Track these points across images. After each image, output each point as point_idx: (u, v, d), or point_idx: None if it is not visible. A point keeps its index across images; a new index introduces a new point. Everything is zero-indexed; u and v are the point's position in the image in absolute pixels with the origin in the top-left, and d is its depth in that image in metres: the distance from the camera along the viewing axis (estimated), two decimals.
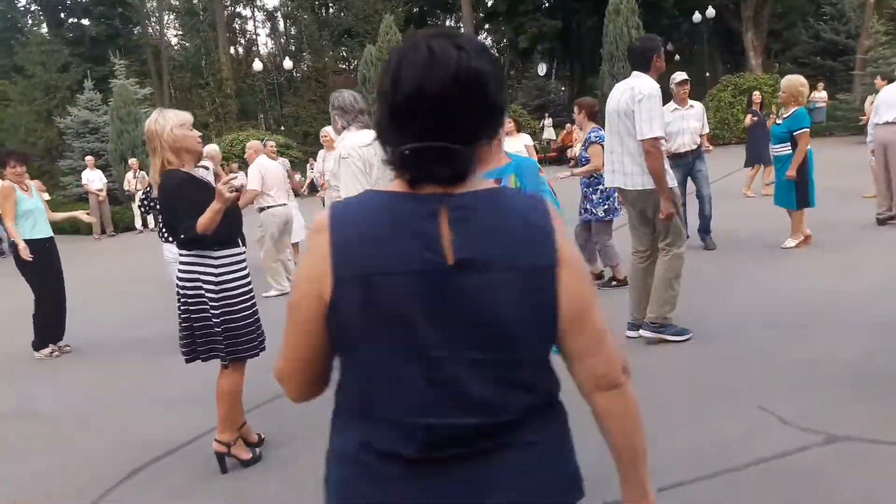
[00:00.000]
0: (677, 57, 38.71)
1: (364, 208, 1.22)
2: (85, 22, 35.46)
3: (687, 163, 7.69)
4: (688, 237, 7.40)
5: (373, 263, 1.16)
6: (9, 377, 6.05)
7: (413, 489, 1.20)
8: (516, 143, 11.76)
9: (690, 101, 7.84)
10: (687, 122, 7.64)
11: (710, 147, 8.29)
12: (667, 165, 4.82)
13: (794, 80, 7.34)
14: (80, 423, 4.65)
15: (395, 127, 1.18)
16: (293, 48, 43.45)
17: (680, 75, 7.84)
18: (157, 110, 3.63)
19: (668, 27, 34.23)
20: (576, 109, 7.01)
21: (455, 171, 1.18)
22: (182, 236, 3.46)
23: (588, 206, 6.77)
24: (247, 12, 50.06)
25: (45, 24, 35.31)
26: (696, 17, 28.95)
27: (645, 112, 4.56)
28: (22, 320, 6.73)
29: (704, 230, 7.98)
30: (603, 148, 6.98)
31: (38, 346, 6.53)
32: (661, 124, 4.61)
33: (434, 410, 1.18)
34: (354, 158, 4.02)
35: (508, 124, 12.29)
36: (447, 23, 42.61)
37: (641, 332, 4.99)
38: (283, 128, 31.68)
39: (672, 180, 4.82)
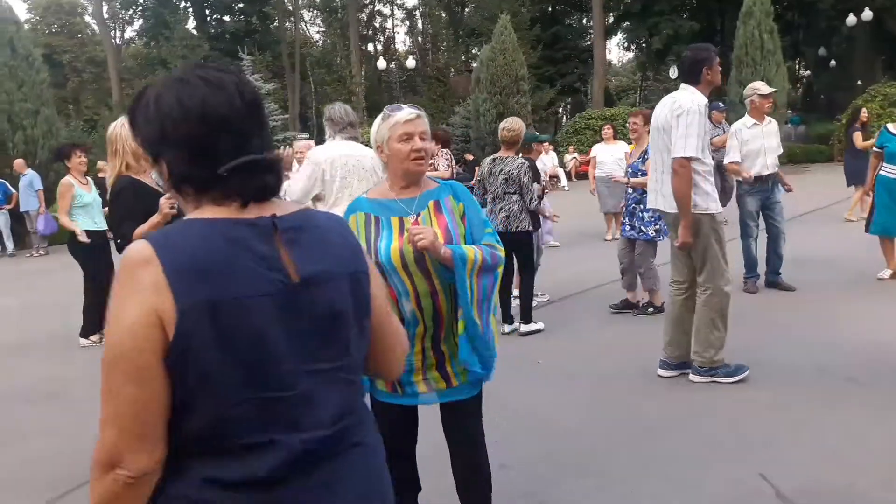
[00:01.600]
0: (833, 63, 35.62)
1: (190, 235, 1.20)
2: (226, 18, 37.64)
3: (766, 189, 6.69)
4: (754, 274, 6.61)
5: (219, 289, 1.15)
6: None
7: None
8: (615, 151, 11.21)
9: (769, 118, 6.82)
10: (768, 141, 6.66)
11: (790, 185, 6.95)
12: (710, 189, 4.26)
13: None
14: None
15: (198, 160, 1.21)
16: (429, 46, 44.07)
17: (763, 86, 6.81)
18: (123, 116, 3.61)
19: (825, 31, 31.48)
20: (631, 120, 6.40)
21: (279, 180, 1.28)
22: (118, 241, 3.48)
23: (636, 223, 6.25)
24: (386, 10, 51.57)
25: (191, 20, 37.84)
26: (851, 19, 26.34)
27: (682, 128, 4.09)
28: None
29: (775, 271, 6.83)
30: None
31: (85, 332, 6.73)
32: (697, 144, 4.08)
33: (294, 426, 1.22)
34: (322, 164, 4.13)
35: (607, 130, 11.77)
36: (581, 22, 41.54)
37: (692, 376, 4.49)
38: None
39: (717, 206, 4.27)
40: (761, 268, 6.83)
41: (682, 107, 4.10)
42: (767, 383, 4.33)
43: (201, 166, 1.21)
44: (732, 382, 4.35)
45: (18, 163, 14.36)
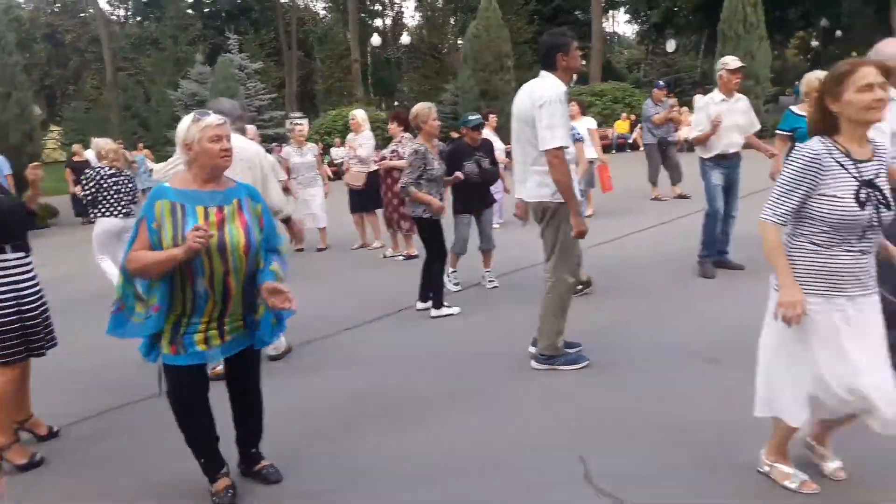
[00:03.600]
0: (839, 33, 35.00)
1: None
2: None
3: (732, 165, 6.51)
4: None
5: None
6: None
7: None
8: (579, 128, 11.19)
9: (737, 94, 6.58)
10: (736, 118, 6.46)
11: (771, 149, 6.44)
12: (576, 178, 4.28)
13: None
14: None
15: None
16: (440, 21, 43.63)
17: (733, 60, 6.56)
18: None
19: (829, 1, 30.87)
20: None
21: None
22: None
23: None
24: None
25: None
26: None
27: (546, 119, 4.03)
28: None
29: (722, 250, 6.65)
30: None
31: None
32: (564, 133, 4.06)
33: None
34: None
35: (572, 107, 11.75)
36: None
37: (533, 364, 4.50)
38: (396, 103, 32.03)
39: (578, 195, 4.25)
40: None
41: (543, 97, 4.03)
42: (617, 367, 4.39)
43: None
44: (573, 370, 4.36)
45: None
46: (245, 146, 4.45)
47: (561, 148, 4.03)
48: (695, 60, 34.23)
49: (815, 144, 2.55)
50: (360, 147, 8.89)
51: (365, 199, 9.12)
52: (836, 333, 2.58)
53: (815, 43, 39.50)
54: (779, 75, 28.22)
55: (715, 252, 6.59)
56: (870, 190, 2.50)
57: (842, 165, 2.51)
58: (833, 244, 2.55)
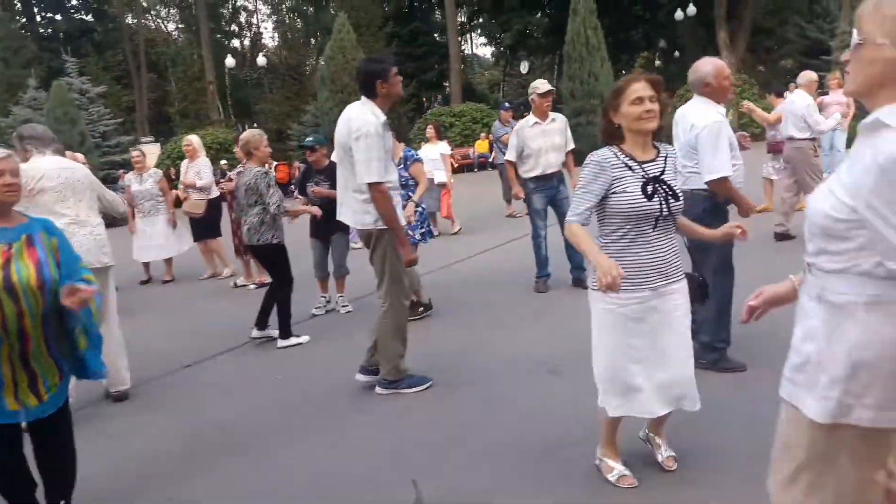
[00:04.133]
0: (676, 53, 37.81)
1: None
2: (58, 17, 35.29)
3: (552, 186, 6.68)
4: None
5: None
6: None
7: None
8: (433, 152, 11.34)
9: (552, 115, 6.83)
10: (551, 139, 6.65)
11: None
12: (399, 207, 4.28)
13: None
14: None
15: None
16: (300, 42, 43.01)
17: (543, 84, 6.86)
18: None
19: (666, 22, 33.25)
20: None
21: None
22: None
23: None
24: (250, 5, 50.00)
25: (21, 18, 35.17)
26: (679, 14, 28.08)
27: (363, 151, 3.98)
28: None
29: (579, 266, 6.58)
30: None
31: None
32: (379, 167, 4.01)
33: None
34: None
35: (429, 130, 11.89)
36: (435, 18, 41.96)
37: (377, 389, 4.44)
38: (255, 125, 31.26)
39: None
40: (558, 266, 6.79)
41: (360, 129, 3.97)
42: (460, 386, 4.41)
43: None
44: (417, 392, 4.35)
45: None
46: (73, 166, 4.68)
47: (379, 183, 4.00)
48: (550, 81, 35.85)
49: (603, 151, 2.85)
50: (196, 176, 8.53)
51: (206, 226, 8.78)
52: (640, 324, 2.82)
53: (658, 62, 42.60)
54: None
55: (547, 273, 6.77)
56: (656, 185, 2.78)
57: (628, 167, 2.80)
58: (633, 237, 2.79)
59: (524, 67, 33.87)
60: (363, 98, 4.14)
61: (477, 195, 12.74)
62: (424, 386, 4.41)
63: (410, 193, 6.07)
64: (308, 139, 6.48)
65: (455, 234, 10.83)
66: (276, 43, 46.49)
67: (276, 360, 5.46)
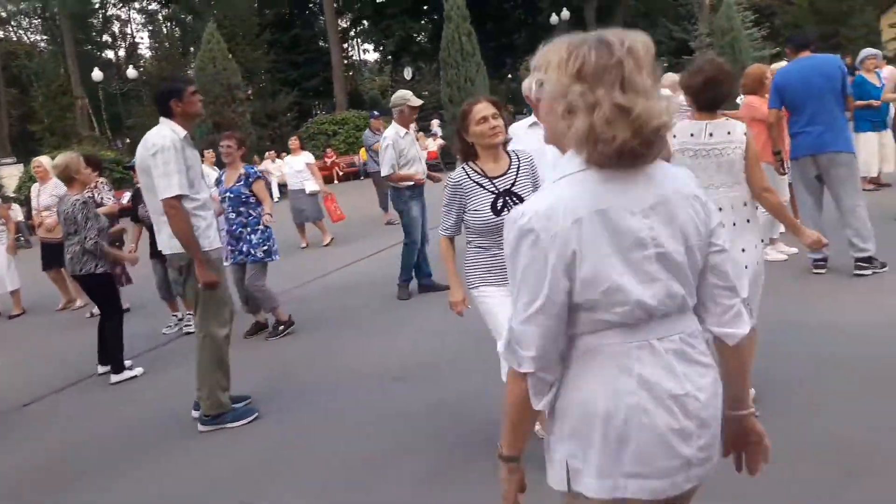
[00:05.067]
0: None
1: None
2: None
3: (421, 192, 6.85)
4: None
5: None
6: None
7: None
8: (297, 163, 11.04)
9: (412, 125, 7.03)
10: (417, 147, 6.94)
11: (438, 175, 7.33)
12: (203, 225, 4.02)
13: None
14: None
15: None
16: (178, 52, 41.27)
17: (413, 98, 6.87)
18: None
19: (543, 27, 34.10)
20: (224, 143, 6.07)
21: None
22: None
23: (244, 247, 6.05)
24: (124, 14, 47.71)
25: None
26: (554, 19, 28.88)
27: (161, 167, 3.87)
28: None
29: (427, 274, 6.94)
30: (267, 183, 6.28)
31: None
32: (180, 181, 3.89)
33: None
34: None
35: (292, 142, 11.58)
36: (319, 24, 41.40)
37: (199, 426, 4.22)
38: (127, 140, 29.81)
39: (211, 241, 4.07)
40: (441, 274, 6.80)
41: (157, 144, 3.89)
42: (301, 400, 4.39)
43: None
44: (241, 425, 4.17)
45: None
46: None
47: (178, 197, 3.89)
48: (437, 87, 36.08)
49: (457, 172, 3.15)
50: (51, 198, 7.88)
51: (60, 251, 8.11)
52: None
53: None
54: (515, 97, 30.61)
55: (411, 276, 6.87)
56: (507, 198, 3.02)
57: (479, 184, 3.07)
58: (491, 242, 3.02)
59: (408, 73, 33.86)
60: (162, 119, 4.05)
61: (356, 204, 12.57)
62: (250, 418, 4.21)
63: (251, 211, 6.00)
64: (133, 160, 6.11)
65: (327, 245, 10.61)
66: (154, 54, 44.62)
67: (118, 392, 5.20)
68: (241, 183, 6.01)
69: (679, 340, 1.39)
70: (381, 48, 38.22)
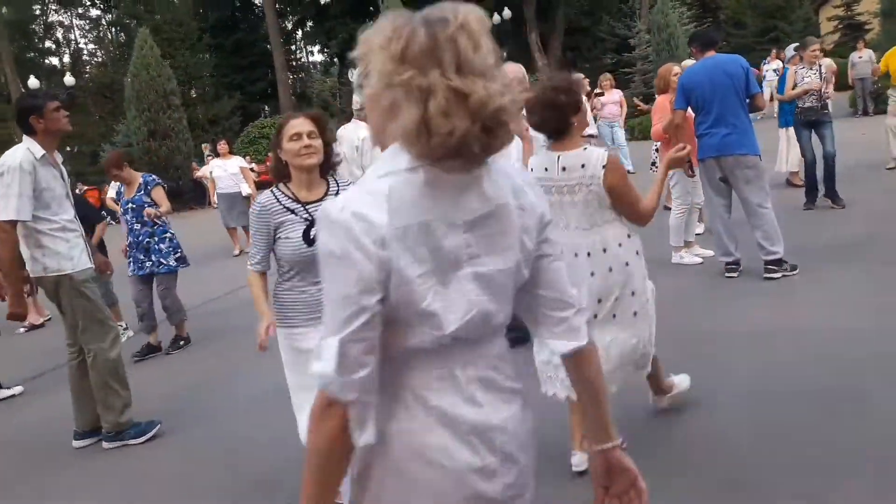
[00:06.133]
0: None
1: None
2: None
3: None
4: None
5: None
6: None
7: None
8: (231, 166, 10.80)
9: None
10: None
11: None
12: (65, 248, 3.86)
13: None
14: None
15: None
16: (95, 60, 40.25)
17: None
18: None
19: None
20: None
21: None
22: None
23: (154, 257, 5.91)
24: (66, 19, 46.23)
25: None
26: (496, 18, 28.89)
27: (2, 188, 3.71)
28: None
29: None
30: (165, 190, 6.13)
31: None
32: (19, 205, 3.71)
33: None
34: None
35: (221, 147, 11.34)
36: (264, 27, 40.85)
37: (103, 444, 4.12)
38: (67, 148, 28.90)
39: (75, 263, 3.89)
40: None
41: (4, 163, 3.74)
42: (199, 423, 4.26)
43: None
44: (146, 441, 4.11)
45: None
46: None
47: (12, 222, 3.72)
48: None
49: (265, 196, 2.76)
50: None
51: None
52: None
53: None
54: None
55: None
56: None
57: (290, 210, 2.70)
58: (303, 276, 2.67)
59: (352, 75, 33.54)
60: (25, 137, 3.86)
61: None
62: (153, 432, 4.14)
63: (155, 219, 5.92)
64: None
65: (237, 255, 10.31)
66: (99, 60, 43.48)
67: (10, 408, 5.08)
68: (142, 192, 5.90)
69: (485, 366, 1.25)
70: (326, 50, 37.81)
